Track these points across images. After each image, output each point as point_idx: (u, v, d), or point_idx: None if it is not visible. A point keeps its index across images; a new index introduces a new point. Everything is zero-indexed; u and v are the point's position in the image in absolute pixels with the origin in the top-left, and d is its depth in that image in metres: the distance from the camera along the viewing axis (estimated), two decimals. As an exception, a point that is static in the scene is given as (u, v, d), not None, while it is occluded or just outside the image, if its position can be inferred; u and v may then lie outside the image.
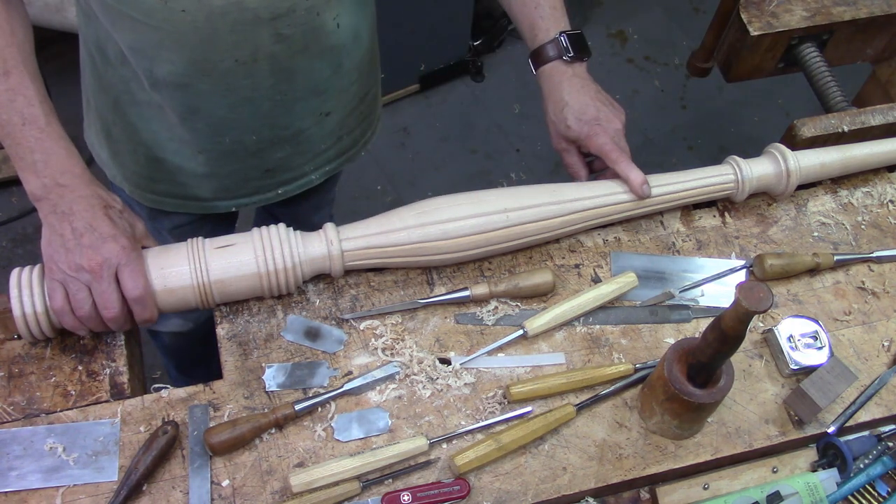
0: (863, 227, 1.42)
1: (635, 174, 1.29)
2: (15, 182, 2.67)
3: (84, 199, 1.11)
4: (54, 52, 2.67)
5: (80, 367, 1.18)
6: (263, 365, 1.20)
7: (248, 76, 1.21)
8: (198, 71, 1.19)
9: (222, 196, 1.44)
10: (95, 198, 1.12)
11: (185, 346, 1.92)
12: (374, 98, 1.56)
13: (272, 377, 1.19)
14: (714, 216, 1.41)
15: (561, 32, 1.33)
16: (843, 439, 1.22)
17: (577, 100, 1.32)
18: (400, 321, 1.25)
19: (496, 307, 1.27)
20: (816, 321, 1.27)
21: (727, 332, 1.02)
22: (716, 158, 1.43)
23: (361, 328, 1.24)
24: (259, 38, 1.16)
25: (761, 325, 1.30)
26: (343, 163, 1.54)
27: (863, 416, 1.24)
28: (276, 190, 1.47)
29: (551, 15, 1.35)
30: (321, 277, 1.28)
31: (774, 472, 1.20)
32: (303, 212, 1.79)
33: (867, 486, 1.20)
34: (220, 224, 1.56)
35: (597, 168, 1.39)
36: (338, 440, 1.15)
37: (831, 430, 1.23)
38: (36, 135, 1.11)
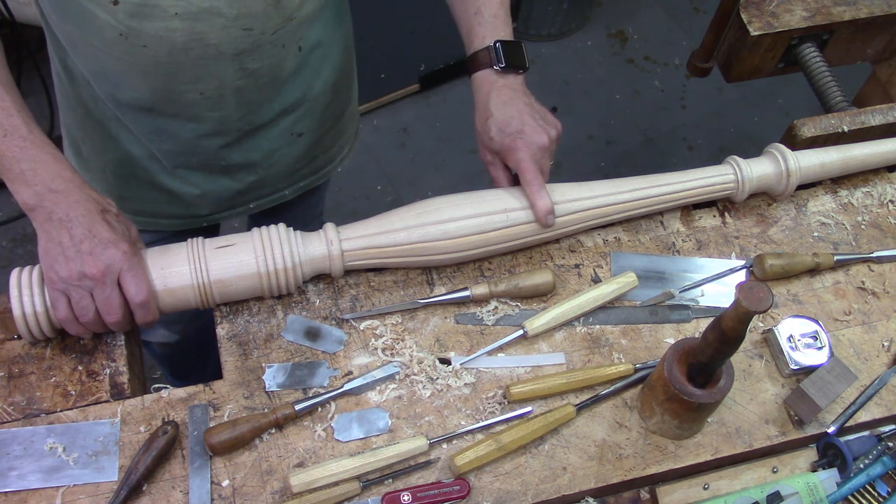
0: (863, 227, 1.42)
1: (542, 202, 1.22)
2: (15, 182, 2.67)
3: (80, 205, 1.09)
4: (54, 52, 2.67)
5: (80, 367, 1.18)
6: (263, 365, 1.20)
7: (215, 108, 1.20)
8: (162, 99, 1.18)
9: (194, 213, 1.44)
10: (91, 202, 1.10)
11: (176, 355, 1.92)
12: (351, 115, 1.54)
13: (272, 377, 1.19)
14: (714, 216, 1.41)
15: (496, 41, 1.27)
16: (843, 439, 1.22)
17: (503, 111, 1.25)
18: (400, 321, 1.25)
19: (496, 307, 1.27)
20: (816, 321, 1.27)
21: (727, 332, 1.02)
22: (716, 158, 1.44)
23: (361, 328, 1.24)
24: (224, 72, 1.15)
25: (761, 325, 1.30)
26: (319, 179, 1.53)
27: (863, 416, 1.24)
28: (247, 205, 1.47)
29: (490, 22, 1.28)
30: (321, 277, 1.28)
31: (774, 472, 1.20)
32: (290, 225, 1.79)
33: (867, 486, 1.20)
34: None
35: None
36: (338, 440, 1.15)
37: (831, 430, 1.23)
38: (19, 144, 1.08)
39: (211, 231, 1.63)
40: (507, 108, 1.25)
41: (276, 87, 1.23)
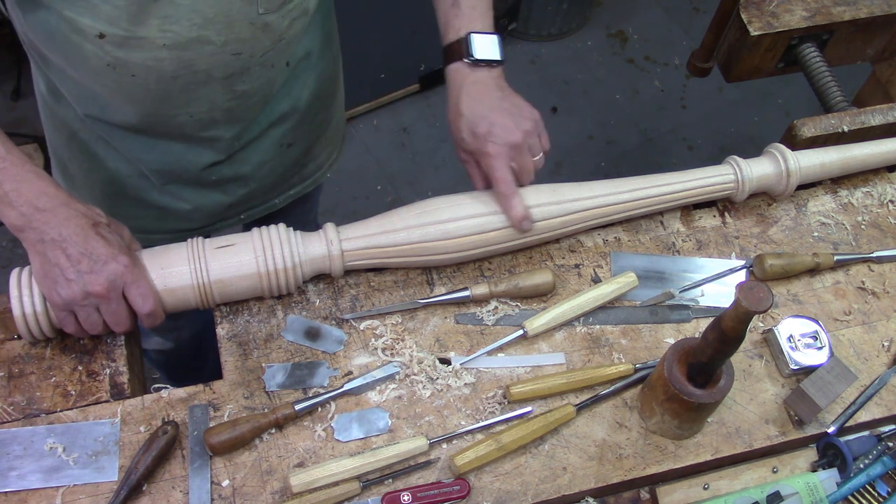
0: (863, 227, 1.42)
1: (514, 211, 1.20)
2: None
3: (71, 222, 1.06)
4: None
5: (80, 367, 1.18)
6: (263, 365, 1.20)
7: (206, 129, 1.19)
8: (152, 122, 1.17)
9: (185, 227, 1.43)
10: (81, 217, 1.08)
11: (173, 361, 1.92)
12: (338, 123, 1.54)
13: (272, 377, 1.19)
14: (714, 216, 1.41)
15: (469, 32, 1.23)
16: (843, 439, 1.22)
17: (472, 111, 1.22)
18: (400, 321, 1.25)
19: (496, 307, 1.27)
20: (816, 321, 1.27)
21: (727, 332, 1.02)
22: (716, 158, 1.43)
23: (361, 328, 1.24)
24: (214, 96, 1.14)
25: (761, 325, 1.30)
26: (308, 186, 1.53)
27: (863, 416, 1.24)
28: (238, 216, 1.47)
29: (467, 14, 1.25)
30: (321, 277, 1.28)
31: (774, 472, 1.20)
32: None
33: (867, 486, 1.20)
34: None
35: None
36: (338, 440, 1.15)
37: (831, 430, 1.23)
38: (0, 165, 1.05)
39: None
40: (477, 106, 1.23)
41: (266, 105, 1.23)
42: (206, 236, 1.50)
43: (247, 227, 1.68)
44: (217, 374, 1.20)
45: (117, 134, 1.22)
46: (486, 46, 1.24)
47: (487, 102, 1.23)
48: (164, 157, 1.26)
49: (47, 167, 1.13)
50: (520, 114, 1.24)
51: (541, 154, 1.25)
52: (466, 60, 1.24)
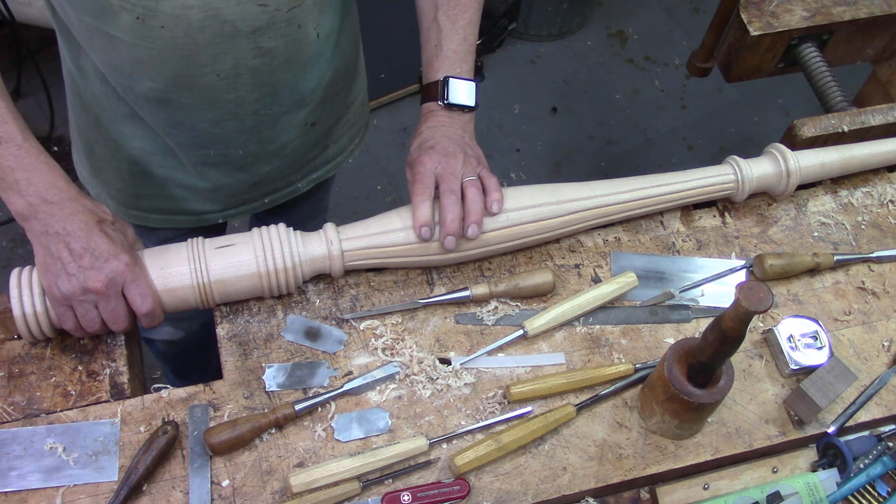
0: (863, 227, 1.42)
1: (416, 214, 1.20)
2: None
3: (76, 217, 1.08)
4: (54, 52, 2.67)
5: (80, 367, 1.18)
6: (263, 365, 1.20)
7: (232, 90, 1.19)
8: (179, 86, 1.17)
9: (210, 209, 1.43)
10: (87, 213, 1.09)
11: (179, 352, 1.92)
12: (361, 105, 1.54)
13: (272, 377, 1.19)
14: (714, 216, 1.41)
15: (447, 76, 1.27)
16: (843, 439, 1.22)
17: (431, 132, 1.26)
18: (400, 321, 1.25)
19: (496, 307, 1.27)
20: (816, 321, 1.27)
21: (727, 332, 1.02)
22: (716, 158, 1.43)
23: (361, 328, 1.24)
24: (240, 51, 1.14)
25: (761, 325, 1.30)
26: (331, 170, 1.53)
27: (863, 416, 1.24)
28: (262, 199, 1.47)
29: (449, 57, 1.28)
30: (321, 277, 1.28)
31: (774, 472, 1.20)
32: (295, 221, 1.79)
33: (867, 486, 1.20)
34: (208, 237, 1.56)
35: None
36: (338, 440, 1.15)
37: (831, 430, 1.23)
38: (14, 152, 1.07)
39: (222, 230, 1.63)
40: (436, 131, 1.26)
41: (291, 73, 1.23)
42: (223, 223, 1.51)
43: (260, 214, 1.69)
44: (220, 370, 1.20)
45: (145, 107, 1.22)
46: (462, 92, 1.28)
47: (447, 131, 1.26)
48: (191, 130, 1.25)
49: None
50: (469, 147, 1.26)
51: (475, 177, 1.23)
52: (441, 103, 1.27)
